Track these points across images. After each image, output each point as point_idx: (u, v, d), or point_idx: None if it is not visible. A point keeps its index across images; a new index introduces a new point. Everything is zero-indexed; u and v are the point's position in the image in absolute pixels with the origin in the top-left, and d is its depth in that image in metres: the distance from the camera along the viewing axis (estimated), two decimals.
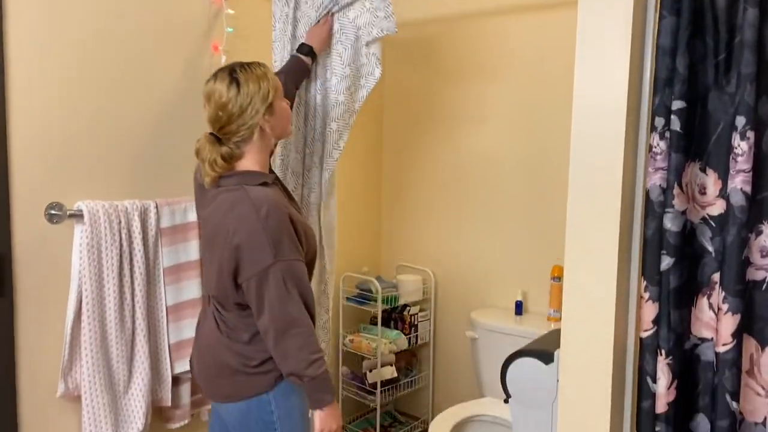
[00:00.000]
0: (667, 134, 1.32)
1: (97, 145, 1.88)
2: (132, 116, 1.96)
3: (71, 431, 1.86)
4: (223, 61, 2.20)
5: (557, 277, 2.54)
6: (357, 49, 2.00)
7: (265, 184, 1.57)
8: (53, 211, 1.73)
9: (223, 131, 1.55)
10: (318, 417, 1.55)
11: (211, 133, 1.59)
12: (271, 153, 1.87)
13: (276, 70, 2.09)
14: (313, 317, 1.56)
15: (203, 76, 2.15)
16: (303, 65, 1.99)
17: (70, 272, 1.81)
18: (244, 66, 1.57)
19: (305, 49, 2.00)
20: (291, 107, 1.97)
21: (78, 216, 1.76)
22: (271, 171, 1.73)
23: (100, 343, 1.78)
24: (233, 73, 1.54)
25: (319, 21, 2.05)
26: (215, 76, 1.56)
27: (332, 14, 2.03)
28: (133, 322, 1.85)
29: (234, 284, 1.54)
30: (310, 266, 1.65)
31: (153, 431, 2.08)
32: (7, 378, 1.71)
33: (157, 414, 2.06)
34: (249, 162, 1.59)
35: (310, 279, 1.64)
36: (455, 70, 2.91)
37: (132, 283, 1.84)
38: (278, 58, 2.10)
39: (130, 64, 1.94)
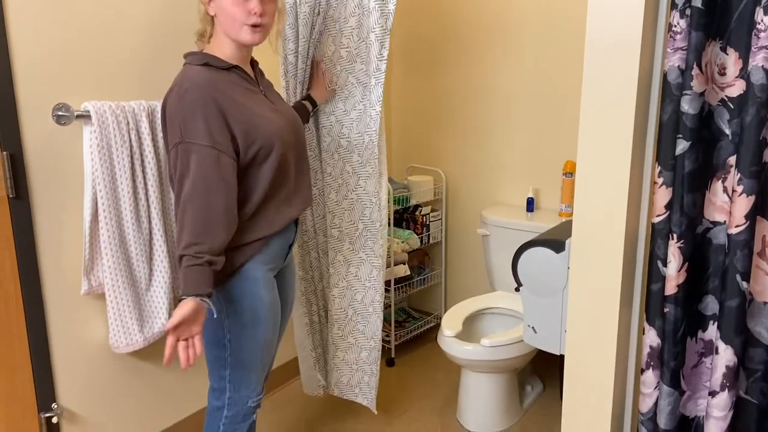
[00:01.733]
0: (688, 11, 1.26)
1: (101, 45, 1.83)
2: (135, 15, 1.90)
3: (98, 327, 1.93)
4: None
5: (569, 173, 2.53)
6: None
7: (207, 65, 1.52)
8: (60, 112, 1.71)
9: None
10: (179, 306, 1.42)
11: None
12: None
13: None
14: (215, 212, 1.45)
15: None
16: (303, 106, 2.03)
17: (83, 173, 1.82)
18: None
19: (305, 95, 2.06)
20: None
21: (86, 117, 1.74)
22: (254, 67, 1.69)
23: (119, 242, 1.81)
24: None
25: (313, 65, 2.08)
26: None
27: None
28: (149, 222, 1.88)
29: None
30: (264, 159, 1.55)
31: None
32: (31, 278, 1.77)
33: None
34: (212, 46, 1.59)
35: (271, 176, 1.56)
36: None
37: (145, 183, 1.85)
38: None
39: None
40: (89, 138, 1.75)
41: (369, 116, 2.01)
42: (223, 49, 1.57)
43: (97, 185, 1.76)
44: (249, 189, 1.56)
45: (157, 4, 1.96)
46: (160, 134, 1.89)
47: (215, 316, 1.57)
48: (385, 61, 1.93)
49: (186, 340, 1.43)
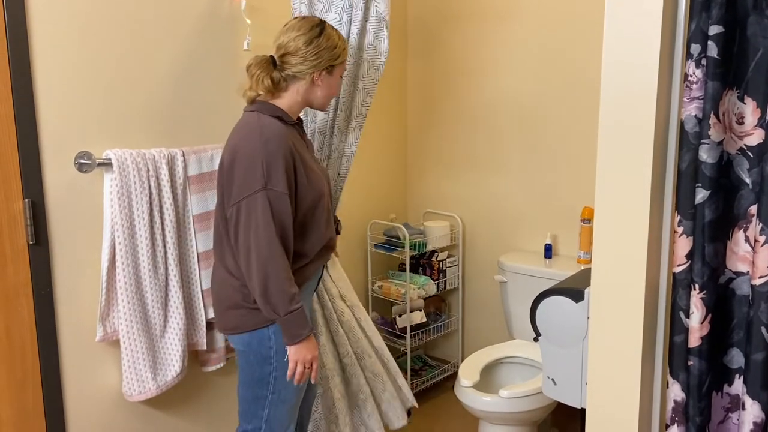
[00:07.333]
0: (704, 61, 1.26)
1: (123, 94, 1.88)
2: (155, 64, 1.95)
3: (111, 374, 1.92)
4: (243, 7, 2.17)
5: (587, 219, 2.51)
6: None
7: (279, 118, 1.64)
8: (82, 161, 1.74)
9: (284, 59, 1.66)
10: (292, 350, 1.61)
11: (271, 56, 1.69)
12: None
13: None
14: (288, 253, 1.60)
15: (224, 24, 2.13)
16: None
17: (102, 220, 1.84)
18: (336, 30, 1.72)
19: None
20: None
21: (107, 165, 1.78)
22: (298, 120, 1.78)
23: (135, 288, 1.82)
24: (325, 23, 1.70)
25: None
26: (317, 18, 1.70)
27: None
28: (166, 268, 1.88)
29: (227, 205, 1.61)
30: (313, 212, 1.69)
31: (190, 374, 2.15)
32: (47, 324, 1.77)
33: (193, 357, 2.12)
34: (281, 101, 1.68)
35: (316, 228, 1.71)
36: (478, 13, 2.83)
37: (163, 230, 1.87)
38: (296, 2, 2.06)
39: (153, 11, 1.92)
40: (110, 185, 1.77)
41: (345, 156, 2.11)
42: (291, 106, 1.70)
43: (116, 232, 1.78)
44: (303, 234, 1.69)
45: (178, 55, 2.01)
46: (179, 181, 1.92)
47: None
48: (368, 107, 2.05)
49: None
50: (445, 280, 3.00)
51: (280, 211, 1.55)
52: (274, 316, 1.57)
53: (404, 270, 2.92)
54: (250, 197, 1.53)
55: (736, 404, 1.36)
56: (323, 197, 1.72)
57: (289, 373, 1.63)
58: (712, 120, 1.25)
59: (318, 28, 1.66)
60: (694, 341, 1.31)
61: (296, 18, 1.70)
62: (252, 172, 1.53)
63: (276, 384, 1.68)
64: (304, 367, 1.63)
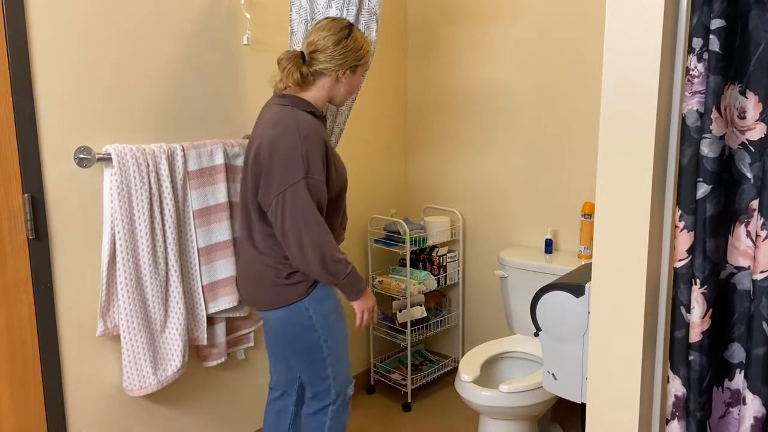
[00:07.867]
0: (706, 55, 1.26)
1: (122, 89, 1.87)
2: (155, 59, 1.95)
3: (112, 369, 1.92)
4: (243, 1, 2.16)
5: (588, 214, 2.51)
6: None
7: (312, 113, 1.78)
8: (82, 155, 1.74)
9: (313, 55, 1.79)
10: (357, 304, 1.83)
11: (301, 51, 1.81)
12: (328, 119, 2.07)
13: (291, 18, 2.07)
14: (332, 229, 1.83)
15: (223, 20, 2.13)
16: None
17: (102, 215, 1.84)
18: (362, 33, 1.86)
19: None
20: None
21: (107, 159, 1.77)
22: (322, 114, 1.87)
23: (135, 283, 1.81)
24: (353, 26, 1.82)
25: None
26: (345, 20, 1.82)
27: None
28: (166, 264, 1.88)
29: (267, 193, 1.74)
30: (337, 198, 1.84)
31: (191, 369, 2.15)
32: (48, 319, 1.77)
33: (194, 353, 2.12)
34: (309, 95, 1.81)
35: (339, 212, 1.87)
36: (479, 8, 2.82)
37: (163, 225, 1.87)
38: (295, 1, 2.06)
39: (153, 5, 1.92)
40: (110, 180, 1.77)
41: (334, 134, 2.20)
42: (317, 100, 1.83)
43: (116, 227, 1.77)
44: (328, 217, 1.84)
45: (178, 50, 2.01)
46: (179, 176, 1.91)
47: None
48: (357, 91, 2.13)
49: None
50: (446, 276, 3.00)
51: (318, 195, 1.70)
52: (335, 281, 1.74)
53: (404, 265, 2.92)
54: (293, 186, 1.66)
55: (737, 399, 1.36)
56: (347, 183, 1.89)
57: (357, 322, 1.85)
58: (714, 114, 1.25)
59: (346, 30, 1.79)
60: (694, 336, 1.31)
61: (327, 18, 1.82)
62: (294, 164, 1.67)
63: (328, 346, 1.83)
64: (369, 314, 1.85)
